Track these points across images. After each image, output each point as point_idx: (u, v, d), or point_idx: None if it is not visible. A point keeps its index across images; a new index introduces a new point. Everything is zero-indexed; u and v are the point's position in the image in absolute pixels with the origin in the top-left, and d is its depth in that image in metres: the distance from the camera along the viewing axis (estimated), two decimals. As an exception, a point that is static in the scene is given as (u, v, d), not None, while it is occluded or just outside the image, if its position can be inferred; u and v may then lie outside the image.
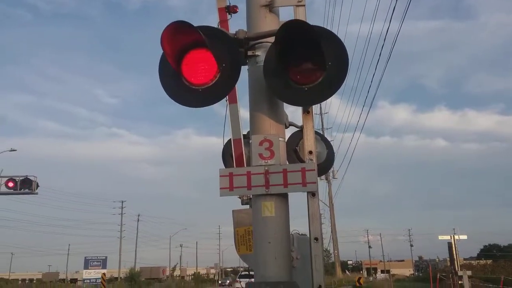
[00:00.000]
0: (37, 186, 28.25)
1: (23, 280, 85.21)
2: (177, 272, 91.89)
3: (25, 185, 27.74)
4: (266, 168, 3.29)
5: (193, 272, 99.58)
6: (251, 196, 4.04)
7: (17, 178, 27.88)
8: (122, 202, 75.47)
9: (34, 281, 76.54)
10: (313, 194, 3.30)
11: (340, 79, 3.24)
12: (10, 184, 27.66)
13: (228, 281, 74.03)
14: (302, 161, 3.61)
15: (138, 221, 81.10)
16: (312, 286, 3.19)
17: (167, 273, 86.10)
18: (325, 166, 4.35)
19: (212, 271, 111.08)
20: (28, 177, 27.98)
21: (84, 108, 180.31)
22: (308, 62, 3.22)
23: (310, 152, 3.36)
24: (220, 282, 76.10)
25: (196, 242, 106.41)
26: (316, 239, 3.24)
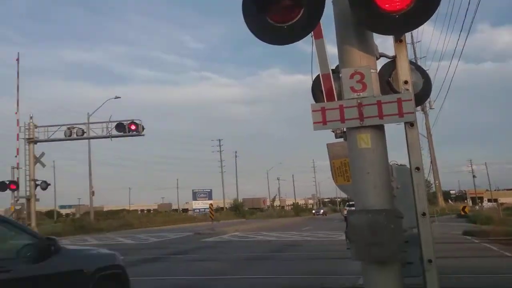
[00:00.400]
0: (143, 128, 30.61)
1: (142, 210, 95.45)
2: (276, 203, 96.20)
3: (133, 128, 30.18)
4: (359, 101, 3.24)
5: (291, 203, 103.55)
6: (344, 130, 4.04)
7: (124, 122, 30.43)
8: (219, 140, 79.40)
9: (152, 211, 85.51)
10: (411, 124, 3.24)
11: (435, 3, 2.97)
12: (120, 128, 30.21)
13: (321, 211, 75.65)
14: (396, 92, 3.49)
15: (235, 157, 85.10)
16: (415, 213, 3.21)
17: (268, 203, 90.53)
18: (421, 96, 4.13)
19: (310, 201, 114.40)
20: (134, 120, 30.40)
21: (173, 54, 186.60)
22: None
23: (406, 82, 3.24)
24: (314, 212, 77.63)
25: (292, 175, 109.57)
26: (417, 168, 3.21)
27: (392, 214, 3.06)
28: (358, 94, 3.26)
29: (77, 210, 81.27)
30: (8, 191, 30.19)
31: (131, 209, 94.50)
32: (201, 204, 59.70)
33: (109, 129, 30.71)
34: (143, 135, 30.89)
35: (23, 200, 31.09)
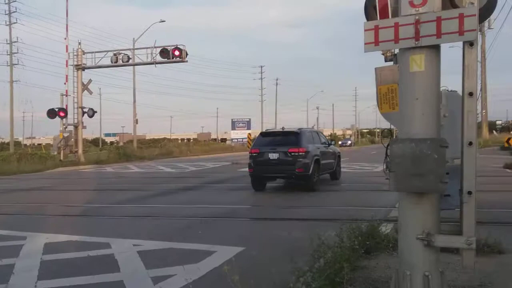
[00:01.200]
0: (186, 54, 30.48)
1: (182, 139, 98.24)
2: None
3: (177, 55, 30.11)
4: (416, 18, 3.00)
5: (329, 133, 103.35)
6: (396, 52, 3.82)
7: (169, 48, 30.36)
8: (261, 67, 78.53)
9: (191, 140, 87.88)
10: (471, 43, 3.01)
11: None
12: (164, 54, 30.21)
13: (349, 142, 74.41)
14: (457, 7, 3.18)
15: (276, 85, 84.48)
16: (461, 143, 3.08)
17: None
18: (484, 12, 3.77)
19: (348, 132, 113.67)
20: (178, 46, 30.23)
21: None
22: None
23: (470, -6, 2.93)
24: (340, 142, 75.07)
25: (333, 104, 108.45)
26: (471, 94, 3.03)
27: (437, 143, 2.93)
28: (417, 9, 3.01)
29: (121, 138, 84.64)
30: (57, 118, 31.58)
31: (172, 137, 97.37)
32: (240, 134, 60.60)
33: (154, 55, 30.90)
34: (187, 61, 30.91)
35: (71, 128, 32.50)
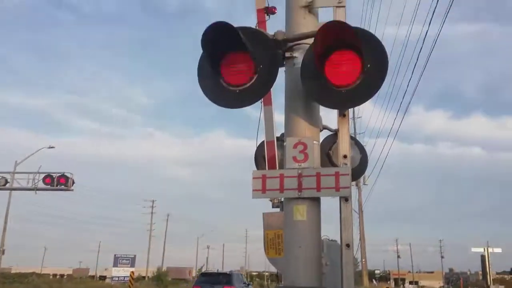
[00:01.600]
0: (73, 183, 29.07)
1: (54, 275, 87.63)
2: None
3: (62, 182, 28.58)
4: (299, 171, 3.25)
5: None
6: (282, 200, 4.00)
7: (54, 175, 28.78)
8: (153, 201, 76.69)
9: (65, 277, 78.63)
10: (346, 199, 3.25)
11: (379, 82, 3.18)
12: (48, 180, 28.53)
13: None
14: (335, 165, 3.56)
15: (167, 220, 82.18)
16: None
17: (194, 274, 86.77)
18: (358, 171, 4.28)
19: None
20: (65, 174, 28.85)
21: (120, 108, 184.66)
22: (347, 65, 3.18)
23: (345, 156, 3.31)
24: None
25: (223, 244, 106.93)
26: (348, 245, 3.19)
27: None
28: (300, 164, 3.29)
29: (-20, 270, 72.94)
30: None
31: (42, 272, 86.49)
32: (122, 272, 56.04)
33: (36, 180, 28.92)
34: (72, 190, 29.31)
35: None
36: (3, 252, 43.23)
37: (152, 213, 75.48)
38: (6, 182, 29.39)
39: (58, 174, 28.85)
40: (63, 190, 29.71)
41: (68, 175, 28.95)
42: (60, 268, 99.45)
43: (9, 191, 35.26)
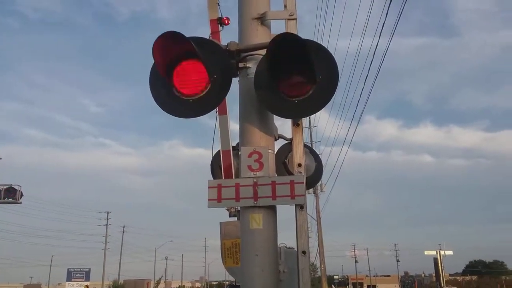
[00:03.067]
0: (21, 195, 27.80)
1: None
2: (161, 286, 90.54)
3: (9, 194, 27.25)
4: (255, 180, 3.27)
5: (178, 286, 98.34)
6: (239, 208, 4.01)
7: (1, 187, 27.41)
8: (108, 213, 74.33)
9: (15, 293, 74.79)
10: (301, 207, 3.29)
11: (330, 92, 3.26)
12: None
13: None
14: (291, 174, 3.60)
15: (123, 232, 79.82)
16: None
17: (152, 286, 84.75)
18: (313, 179, 4.35)
19: (197, 284, 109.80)
20: (13, 186, 27.54)
21: (70, 117, 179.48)
22: (299, 75, 3.24)
23: (299, 165, 3.36)
24: None
25: (182, 255, 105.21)
26: (304, 252, 3.22)
27: None
28: (255, 173, 3.31)
29: None
30: None
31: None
32: (76, 286, 54.05)
33: (-20, 193, 27.38)
34: (20, 202, 28.01)
35: None
36: None
37: (107, 224, 73.24)
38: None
39: (5, 186, 27.51)
40: (11, 203, 28.36)
41: (16, 187, 27.69)
42: (11, 285, 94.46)
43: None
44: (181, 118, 3.44)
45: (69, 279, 55.45)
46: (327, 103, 3.28)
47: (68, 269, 55.91)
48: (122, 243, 78.44)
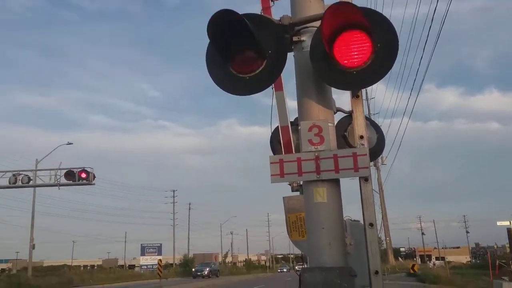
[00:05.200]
0: (94, 177, 29.57)
1: (85, 266, 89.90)
2: (229, 259, 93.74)
3: (83, 177, 29.08)
4: (316, 154, 3.25)
5: (244, 259, 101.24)
6: (301, 183, 4.03)
7: (75, 170, 29.31)
8: (174, 191, 77.61)
9: (95, 267, 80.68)
10: (365, 179, 3.25)
11: (390, 61, 3.13)
12: (69, 176, 29.05)
13: (285, 269, 75.34)
14: (352, 147, 3.55)
15: (189, 209, 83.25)
16: (368, 271, 3.16)
17: (219, 259, 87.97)
18: (375, 151, 4.26)
19: (263, 257, 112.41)
20: (85, 168, 29.35)
21: (131, 102, 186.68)
22: (357, 45, 3.15)
23: (361, 137, 3.30)
24: (278, 270, 78.03)
25: (246, 230, 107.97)
26: (371, 224, 3.20)
27: (346, 272, 3.01)
28: (316, 147, 3.29)
29: (14, 265, 75.44)
30: None
31: (73, 264, 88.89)
32: (149, 260, 57.26)
33: (58, 177, 29.50)
34: (94, 184, 29.88)
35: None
36: (33, 247, 44.57)
37: (173, 202, 76.46)
38: (29, 179, 30.05)
39: (78, 169, 29.34)
40: (85, 185, 30.23)
41: (89, 169, 29.44)
42: (90, 260, 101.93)
43: (33, 188, 36.17)
44: (237, 96, 3.48)
45: (143, 253, 58.91)
46: (386, 73, 3.16)
47: (142, 244, 59.34)
48: (189, 219, 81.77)
